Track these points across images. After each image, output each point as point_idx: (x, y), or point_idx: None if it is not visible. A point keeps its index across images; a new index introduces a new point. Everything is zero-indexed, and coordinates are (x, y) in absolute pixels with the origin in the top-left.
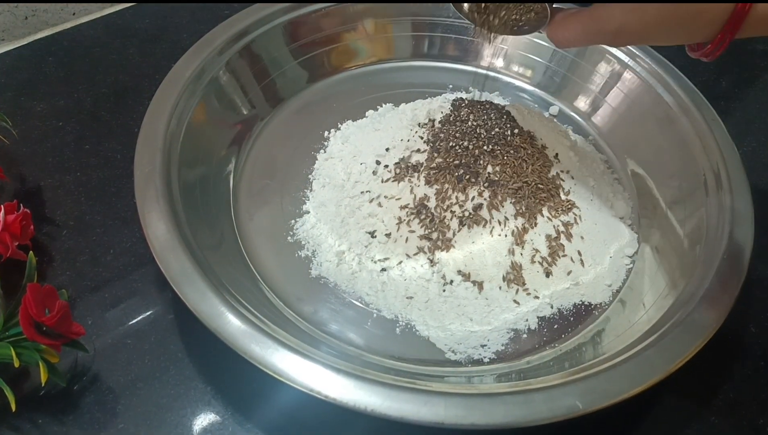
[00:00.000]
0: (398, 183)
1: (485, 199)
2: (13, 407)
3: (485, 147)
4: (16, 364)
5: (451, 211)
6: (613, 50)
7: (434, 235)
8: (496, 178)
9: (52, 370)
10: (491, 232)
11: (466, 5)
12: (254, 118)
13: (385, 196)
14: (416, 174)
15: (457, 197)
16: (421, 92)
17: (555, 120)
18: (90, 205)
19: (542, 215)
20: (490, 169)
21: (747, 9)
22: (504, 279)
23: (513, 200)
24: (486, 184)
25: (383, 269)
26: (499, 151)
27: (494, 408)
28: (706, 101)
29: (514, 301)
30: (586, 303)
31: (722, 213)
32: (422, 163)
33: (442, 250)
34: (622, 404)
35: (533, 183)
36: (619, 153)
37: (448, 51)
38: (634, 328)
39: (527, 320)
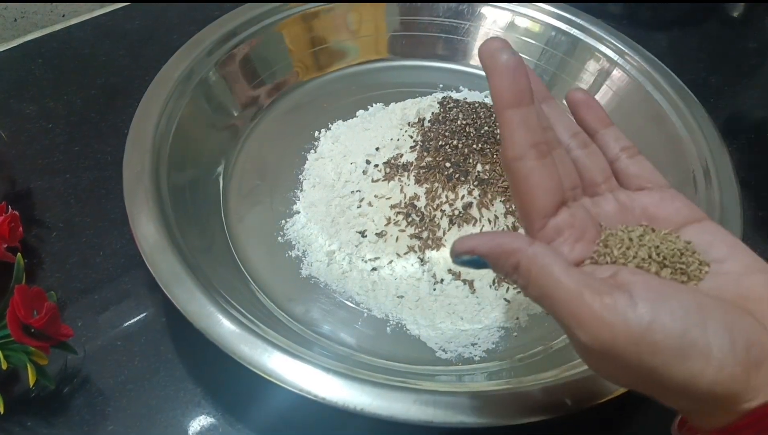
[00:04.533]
0: (388, 182)
1: (475, 198)
2: (2, 410)
3: (475, 146)
4: (4, 366)
5: (441, 210)
6: (602, 48)
7: (424, 234)
8: (486, 177)
9: (40, 372)
10: (481, 230)
11: None
12: (244, 118)
13: (376, 196)
14: (406, 173)
15: (447, 196)
16: (411, 92)
17: None
18: (80, 207)
19: None
20: (479, 167)
21: None
22: (494, 277)
23: (503, 199)
24: (476, 183)
25: (374, 269)
26: (488, 150)
27: (484, 406)
28: (696, 99)
29: (505, 299)
30: None
31: (711, 209)
32: (412, 163)
33: (432, 249)
34: (612, 401)
35: None
36: None
37: (438, 50)
38: None
39: (518, 318)
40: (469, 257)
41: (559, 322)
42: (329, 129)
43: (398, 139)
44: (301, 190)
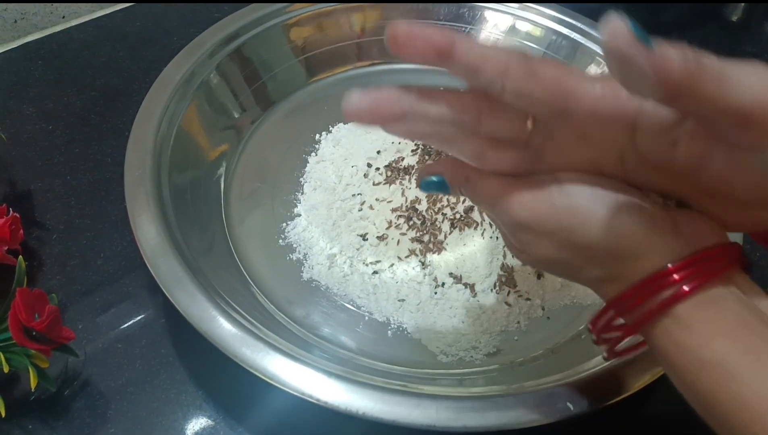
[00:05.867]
0: (389, 186)
1: None
2: (3, 413)
3: None
4: (6, 369)
5: (442, 213)
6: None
7: (426, 238)
8: None
9: (41, 375)
10: (482, 234)
11: None
12: (245, 121)
13: (377, 199)
14: (407, 176)
15: (448, 200)
16: None
17: None
18: (80, 209)
19: None
20: None
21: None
22: (496, 281)
23: None
24: None
25: (375, 272)
26: None
27: (486, 410)
28: None
29: (506, 303)
30: (577, 304)
31: None
32: (413, 166)
33: (433, 253)
34: (613, 407)
35: None
36: None
37: None
38: None
39: (518, 322)
40: (433, 178)
41: (497, 216)
42: (330, 132)
43: (399, 143)
44: (302, 193)
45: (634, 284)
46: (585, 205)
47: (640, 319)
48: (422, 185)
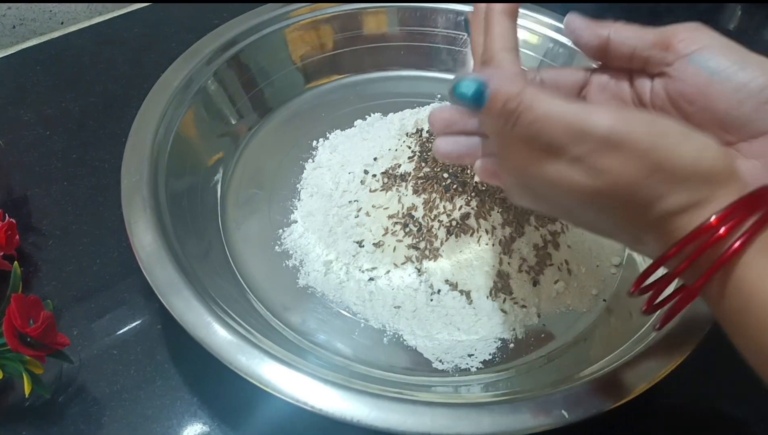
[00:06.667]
0: (386, 192)
1: (473, 209)
2: None
3: None
4: (0, 375)
5: (438, 220)
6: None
7: (422, 245)
8: (484, 188)
9: (36, 382)
10: (479, 241)
11: None
12: (242, 127)
13: (373, 206)
14: (404, 183)
15: (444, 207)
16: (410, 102)
17: None
18: (77, 215)
19: (529, 224)
20: (477, 178)
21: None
22: (491, 288)
23: (500, 209)
24: (473, 194)
25: (371, 279)
26: None
27: (481, 418)
28: None
29: (502, 310)
30: (572, 311)
31: None
32: (410, 173)
33: (429, 260)
34: (609, 414)
35: None
36: None
37: (436, 61)
38: (621, 337)
39: (514, 329)
40: (473, 83)
41: (555, 139)
42: (327, 138)
43: (396, 150)
44: (299, 200)
45: (727, 207)
46: (673, 125)
47: (717, 262)
48: (456, 88)
